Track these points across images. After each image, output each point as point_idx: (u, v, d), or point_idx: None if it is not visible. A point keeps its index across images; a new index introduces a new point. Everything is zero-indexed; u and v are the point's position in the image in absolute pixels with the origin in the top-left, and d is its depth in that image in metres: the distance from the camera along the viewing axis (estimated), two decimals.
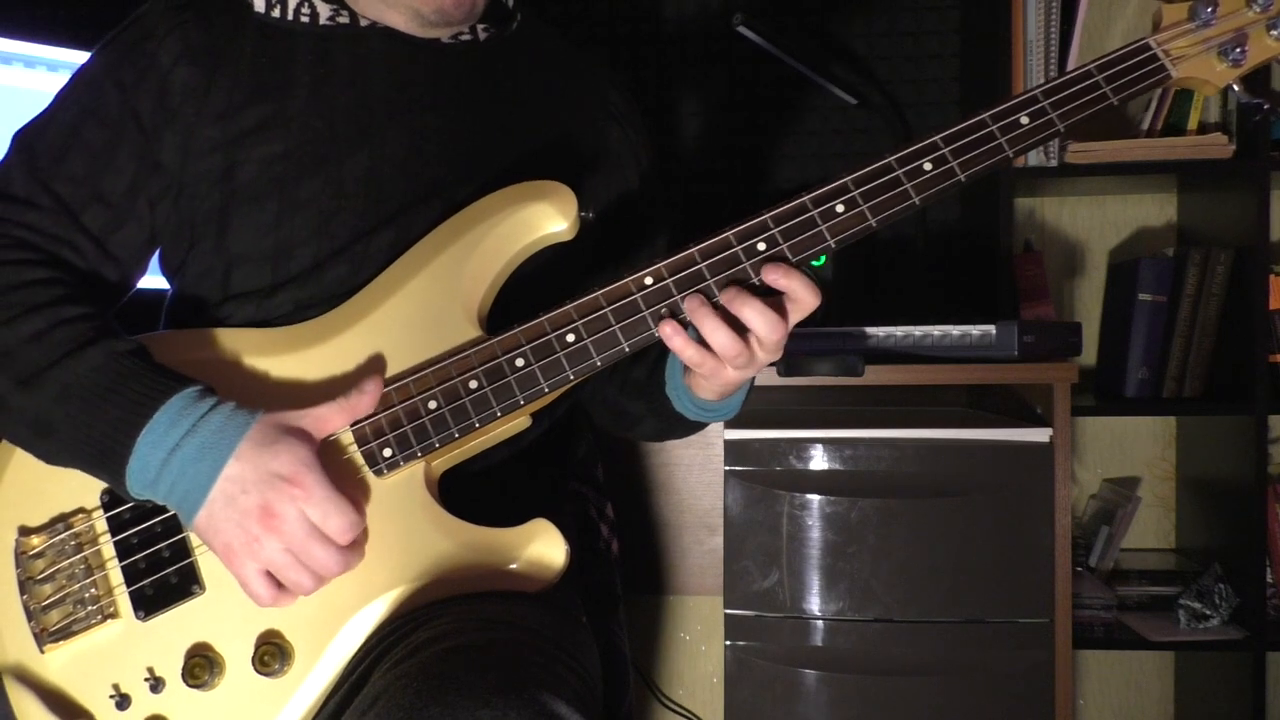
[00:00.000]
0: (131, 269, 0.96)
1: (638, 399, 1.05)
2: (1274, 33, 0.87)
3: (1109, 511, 1.87)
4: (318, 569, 0.78)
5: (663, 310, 0.84)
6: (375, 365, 0.85)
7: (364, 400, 0.82)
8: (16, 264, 0.86)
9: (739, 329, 0.83)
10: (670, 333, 0.84)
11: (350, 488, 0.82)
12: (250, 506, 0.77)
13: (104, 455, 0.79)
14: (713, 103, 1.94)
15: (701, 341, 0.84)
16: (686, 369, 0.92)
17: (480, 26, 1.01)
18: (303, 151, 0.92)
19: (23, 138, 0.93)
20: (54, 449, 0.82)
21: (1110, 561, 1.85)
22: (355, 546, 0.81)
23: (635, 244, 1.07)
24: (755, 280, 0.84)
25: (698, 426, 1.03)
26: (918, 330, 1.44)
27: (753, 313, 0.82)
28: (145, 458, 0.78)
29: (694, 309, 0.83)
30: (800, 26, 1.91)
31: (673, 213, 1.13)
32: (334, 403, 0.82)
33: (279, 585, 0.79)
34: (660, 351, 0.97)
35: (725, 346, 0.83)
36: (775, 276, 0.83)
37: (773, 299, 0.83)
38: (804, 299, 0.83)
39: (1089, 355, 1.94)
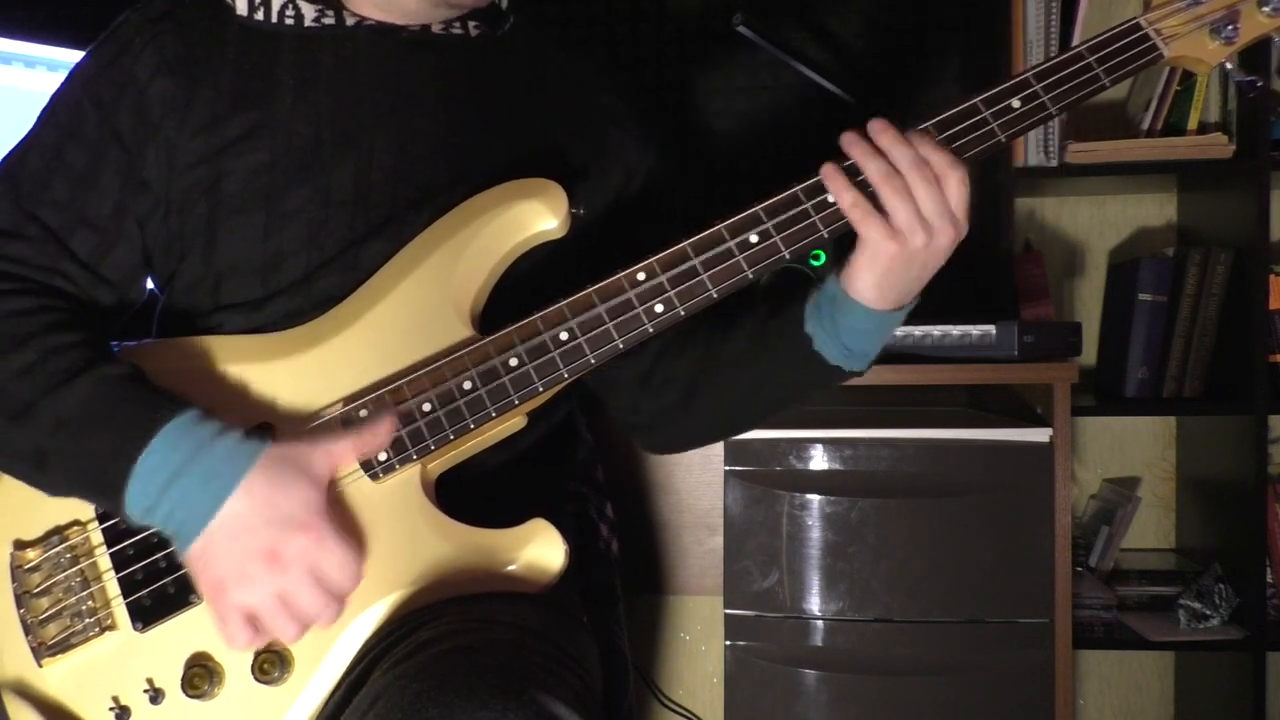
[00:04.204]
0: (127, 290, 0.94)
1: (752, 363, 0.96)
2: (1265, 9, 0.86)
3: (1109, 511, 1.87)
4: (308, 618, 0.76)
5: (656, 308, 0.84)
6: (369, 370, 0.85)
7: (378, 440, 0.81)
8: (3, 295, 0.85)
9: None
10: (832, 171, 0.83)
11: (347, 508, 0.81)
12: (256, 546, 0.75)
13: (102, 483, 0.78)
14: (712, 103, 1.94)
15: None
16: (844, 279, 0.87)
17: (472, 24, 0.99)
18: (289, 160, 0.90)
19: (5, 166, 0.92)
20: (53, 481, 0.81)
21: (1110, 561, 1.85)
22: (342, 599, 0.79)
23: (653, 243, 1.05)
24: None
25: (813, 384, 0.94)
26: (918, 330, 1.44)
27: (902, 154, 0.80)
28: (145, 482, 0.76)
29: (847, 144, 0.82)
30: (800, 26, 1.90)
31: (687, 213, 1.09)
32: (346, 439, 0.80)
33: (254, 631, 0.77)
34: (783, 302, 0.94)
35: (883, 175, 0.80)
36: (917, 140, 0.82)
37: None
38: (943, 167, 0.81)
39: (1089, 355, 1.94)
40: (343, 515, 0.81)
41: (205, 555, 0.76)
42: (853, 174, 0.83)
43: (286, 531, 0.75)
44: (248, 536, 0.75)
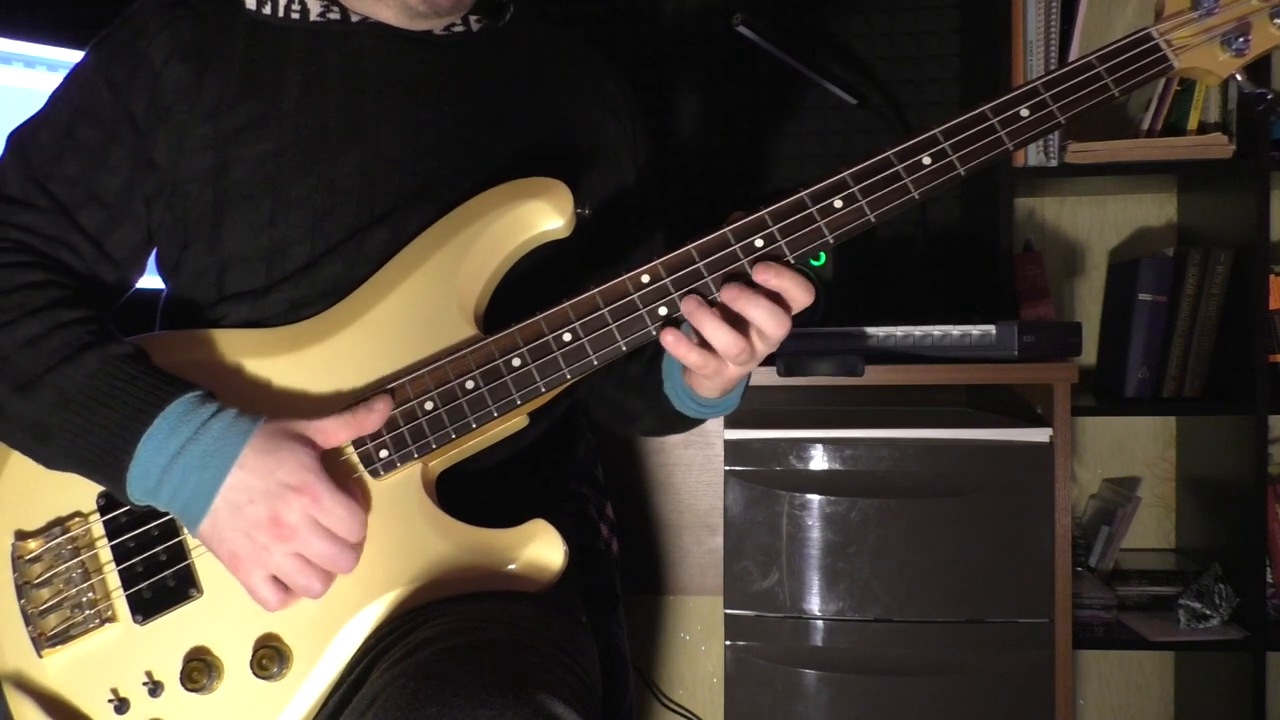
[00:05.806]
0: (129, 269, 0.95)
1: (636, 396, 1.05)
2: (1277, 21, 0.86)
3: (1109, 511, 1.87)
4: (331, 569, 0.79)
5: (660, 310, 0.84)
6: (372, 367, 0.85)
7: (371, 418, 0.82)
8: (12, 266, 0.86)
9: (739, 325, 0.83)
10: (673, 341, 0.83)
11: (348, 489, 0.82)
12: (259, 517, 0.77)
13: (104, 461, 0.79)
14: (712, 103, 1.94)
15: (703, 343, 0.84)
16: (687, 369, 0.91)
17: (473, 18, 1.01)
18: (295, 150, 0.92)
19: (17, 138, 0.93)
20: (53, 454, 0.82)
21: (1110, 561, 1.85)
22: (358, 544, 0.81)
23: (632, 240, 1.07)
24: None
25: (698, 422, 1.03)
26: (918, 330, 1.44)
27: (755, 308, 0.82)
28: (146, 464, 0.78)
29: (692, 310, 0.82)
30: (800, 26, 1.90)
31: (665, 209, 1.12)
32: (340, 416, 0.81)
33: (285, 589, 0.79)
34: (656, 350, 0.97)
35: (727, 346, 0.82)
36: (767, 276, 0.82)
37: (770, 294, 0.83)
38: (798, 297, 0.83)
39: (1089, 355, 1.94)
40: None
41: (215, 533, 0.78)
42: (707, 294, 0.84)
43: (284, 497, 0.77)
44: (250, 508, 0.77)
